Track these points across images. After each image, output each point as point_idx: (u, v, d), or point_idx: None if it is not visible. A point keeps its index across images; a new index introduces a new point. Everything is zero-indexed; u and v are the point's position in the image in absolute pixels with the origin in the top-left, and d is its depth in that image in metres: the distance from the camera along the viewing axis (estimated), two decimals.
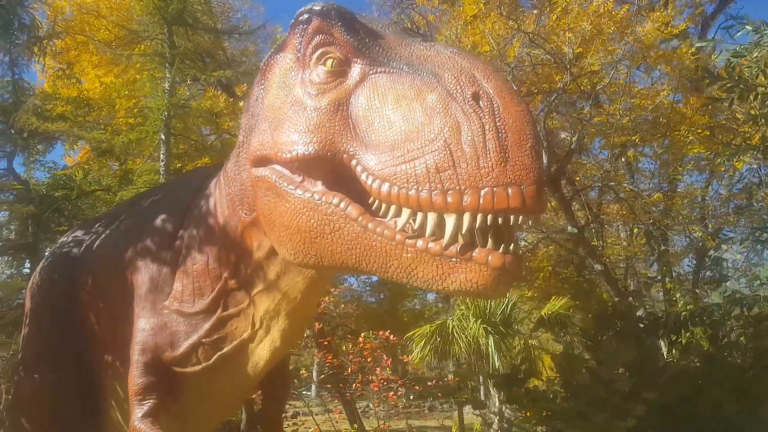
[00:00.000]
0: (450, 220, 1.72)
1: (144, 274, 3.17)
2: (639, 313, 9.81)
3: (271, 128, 2.28)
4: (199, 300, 2.97)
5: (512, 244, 1.74)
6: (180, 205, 3.29)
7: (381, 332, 7.09)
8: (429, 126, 1.77)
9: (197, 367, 2.96)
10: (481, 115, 1.71)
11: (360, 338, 7.15)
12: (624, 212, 12.04)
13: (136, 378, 2.93)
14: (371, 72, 2.04)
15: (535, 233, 12.97)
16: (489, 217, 1.66)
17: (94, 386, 3.59)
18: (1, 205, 12.19)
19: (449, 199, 1.68)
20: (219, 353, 2.93)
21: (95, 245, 3.70)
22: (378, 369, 6.81)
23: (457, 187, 1.67)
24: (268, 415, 3.70)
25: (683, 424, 4.92)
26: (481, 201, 1.64)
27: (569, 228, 8.47)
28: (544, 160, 9.56)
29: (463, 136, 1.70)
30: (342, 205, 2.01)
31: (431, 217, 1.76)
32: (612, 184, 10.21)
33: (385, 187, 1.82)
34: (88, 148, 14.31)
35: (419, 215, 1.79)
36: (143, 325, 3.05)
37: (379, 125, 1.92)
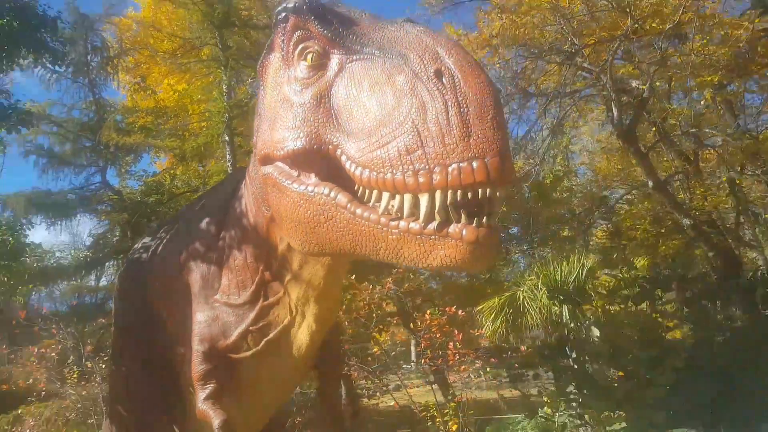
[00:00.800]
0: (423, 200, 1.74)
1: (196, 273, 3.43)
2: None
3: (269, 128, 2.37)
4: (243, 292, 3.16)
5: (485, 217, 1.72)
6: (220, 208, 3.50)
7: (447, 308, 7.11)
8: (398, 109, 1.78)
9: (248, 353, 3.15)
10: (444, 92, 1.70)
11: (426, 315, 7.19)
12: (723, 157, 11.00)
13: (196, 365, 3.18)
14: (347, 61, 2.07)
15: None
16: (459, 192, 1.66)
17: (173, 376, 3.90)
18: (100, 215, 13.36)
19: (421, 180, 1.70)
20: (266, 339, 3.11)
21: (158, 251, 4.01)
22: (450, 343, 6.84)
23: (427, 167, 1.68)
24: (326, 392, 3.88)
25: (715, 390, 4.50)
26: (449, 178, 1.64)
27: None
28: (615, 113, 9.04)
29: (428, 115, 1.70)
30: (332, 194, 2.06)
31: (407, 199, 1.78)
32: (693, 130, 9.43)
33: (365, 174, 1.85)
34: (172, 154, 15.28)
35: (397, 197, 1.81)
36: (199, 318, 3.28)
37: (357, 113, 1.95)
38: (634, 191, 12.03)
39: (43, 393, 8.08)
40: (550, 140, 10.89)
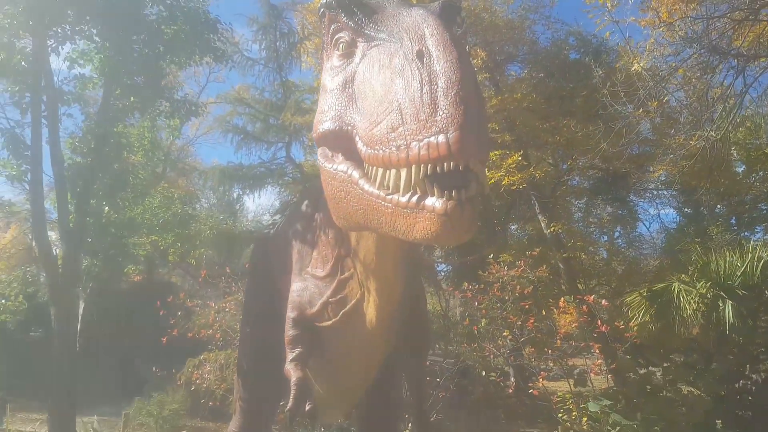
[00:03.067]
0: (403, 174, 1.85)
1: (295, 248, 3.90)
2: None
3: (317, 112, 2.60)
4: (325, 266, 3.52)
5: (454, 191, 1.76)
6: (318, 191, 3.86)
7: (587, 296, 6.54)
8: (391, 89, 1.90)
9: (328, 323, 3.49)
10: (421, 71, 1.78)
11: (561, 302, 6.74)
12: None
13: (288, 330, 3.62)
14: (367, 48, 2.22)
15: None
16: (429, 166, 1.74)
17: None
18: (282, 186, 15.04)
19: (401, 155, 1.80)
20: (343, 311, 3.41)
21: (278, 227, 4.57)
22: (595, 334, 6.38)
23: (405, 143, 1.78)
24: (410, 365, 4.09)
25: None
26: (421, 153, 1.72)
27: None
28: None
29: (409, 94, 1.80)
30: (348, 171, 2.24)
31: (393, 173, 1.90)
32: None
33: (365, 150, 2.01)
34: None
35: (387, 172, 1.94)
36: (293, 288, 3.73)
37: (368, 94, 2.10)
38: None
39: (220, 343, 9.53)
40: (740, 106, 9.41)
